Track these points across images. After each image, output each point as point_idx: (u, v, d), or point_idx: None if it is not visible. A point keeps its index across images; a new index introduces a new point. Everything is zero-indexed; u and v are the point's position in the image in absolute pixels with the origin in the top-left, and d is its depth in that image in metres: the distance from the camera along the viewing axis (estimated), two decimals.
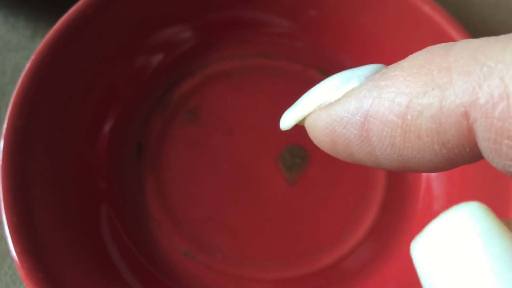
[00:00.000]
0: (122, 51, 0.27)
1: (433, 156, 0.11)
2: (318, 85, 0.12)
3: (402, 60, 0.11)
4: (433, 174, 0.27)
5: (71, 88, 0.25)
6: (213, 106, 0.28)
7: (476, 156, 0.11)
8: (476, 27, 0.32)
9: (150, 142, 0.27)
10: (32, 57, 0.23)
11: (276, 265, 0.25)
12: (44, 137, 0.24)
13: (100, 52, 0.26)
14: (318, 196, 0.27)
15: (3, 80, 0.29)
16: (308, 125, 0.13)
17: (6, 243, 0.26)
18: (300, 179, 0.27)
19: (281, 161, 0.27)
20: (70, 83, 0.25)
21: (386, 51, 0.28)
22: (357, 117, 0.11)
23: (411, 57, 0.11)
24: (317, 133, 0.12)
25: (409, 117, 0.10)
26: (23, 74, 0.23)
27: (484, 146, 0.10)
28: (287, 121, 0.13)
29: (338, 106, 0.12)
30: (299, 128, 0.27)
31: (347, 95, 0.12)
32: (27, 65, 0.23)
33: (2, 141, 0.22)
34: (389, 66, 0.11)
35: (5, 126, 0.22)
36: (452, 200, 0.26)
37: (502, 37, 0.10)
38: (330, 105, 0.12)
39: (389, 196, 0.27)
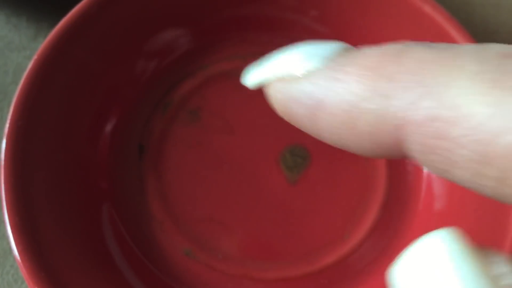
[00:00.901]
0: (124, 51, 0.27)
1: (371, 151, 0.12)
2: (285, 52, 0.13)
3: (360, 54, 0.12)
4: (434, 175, 0.27)
5: (73, 88, 0.25)
6: (214, 106, 0.28)
7: (407, 156, 0.11)
8: (477, 27, 0.32)
9: (152, 142, 0.27)
10: (34, 57, 0.24)
11: (277, 265, 0.26)
12: (46, 137, 0.24)
13: (102, 53, 0.26)
14: (319, 196, 0.27)
15: (5, 80, 0.29)
16: (268, 93, 0.13)
17: (8, 242, 0.26)
18: (301, 179, 0.27)
19: (282, 161, 0.27)
20: (72, 83, 0.25)
21: None
22: (310, 101, 0.12)
23: (367, 54, 0.11)
24: (275, 103, 0.13)
25: (352, 115, 0.11)
26: (25, 74, 0.23)
27: (415, 154, 0.11)
28: (250, 81, 0.14)
29: (296, 85, 0.12)
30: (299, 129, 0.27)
31: (306, 77, 0.12)
32: (29, 65, 0.23)
33: (4, 141, 0.22)
34: (348, 52, 0.12)
35: (7, 126, 0.23)
36: (453, 200, 0.26)
37: (449, 54, 0.10)
38: (289, 81, 0.12)
39: (390, 197, 0.27)
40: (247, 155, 0.27)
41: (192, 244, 0.25)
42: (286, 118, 0.13)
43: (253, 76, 0.14)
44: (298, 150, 0.27)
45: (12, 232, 0.21)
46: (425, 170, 0.28)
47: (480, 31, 0.32)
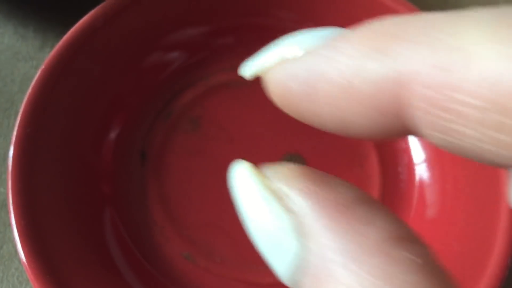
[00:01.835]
0: (128, 62, 0.27)
1: (371, 123, 0.11)
2: (283, 41, 0.13)
3: (360, 27, 0.11)
4: (426, 183, 0.28)
5: (78, 97, 0.26)
6: (214, 115, 0.29)
7: (409, 130, 0.11)
8: None
9: (154, 149, 0.28)
10: (42, 67, 0.24)
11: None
12: (51, 144, 0.24)
13: (107, 63, 0.27)
14: None
15: (12, 89, 0.30)
16: (266, 80, 0.13)
17: (13, 245, 0.27)
18: None
19: None
20: (78, 92, 0.26)
21: None
22: (310, 74, 0.11)
23: (368, 25, 0.11)
24: (273, 88, 0.13)
25: (355, 81, 0.11)
26: (32, 83, 0.24)
27: (419, 117, 0.10)
28: (248, 70, 0.14)
29: (295, 62, 0.12)
30: (296, 138, 0.28)
31: (306, 53, 0.12)
32: (36, 75, 0.24)
33: (12, 148, 0.23)
34: (348, 31, 0.12)
35: (14, 133, 0.23)
36: (445, 207, 0.27)
37: (455, 13, 0.10)
38: (289, 61, 0.12)
39: (383, 204, 0.28)
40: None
41: (191, 248, 0.26)
42: (284, 104, 0.13)
43: (251, 65, 0.13)
44: (295, 159, 0.28)
45: (19, 235, 0.22)
46: (417, 175, 0.28)
47: None
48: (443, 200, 0.27)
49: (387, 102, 0.10)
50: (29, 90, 0.24)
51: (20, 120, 0.23)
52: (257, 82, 0.30)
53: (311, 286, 0.11)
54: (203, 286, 0.26)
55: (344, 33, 0.11)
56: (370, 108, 0.11)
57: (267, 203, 0.12)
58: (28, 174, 0.23)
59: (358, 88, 0.10)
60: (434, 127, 0.10)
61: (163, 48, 0.29)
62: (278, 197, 0.12)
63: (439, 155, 0.28)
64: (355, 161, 0.28)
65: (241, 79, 0.29)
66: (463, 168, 0.26)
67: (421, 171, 0.28)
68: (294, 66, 0.12)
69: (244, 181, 0.13)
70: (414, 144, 0.29)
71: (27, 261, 0.22)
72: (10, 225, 0.25)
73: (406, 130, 0.11)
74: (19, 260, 0.26)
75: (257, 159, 0.28)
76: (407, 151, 0.29)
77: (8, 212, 0.25)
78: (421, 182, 0.28)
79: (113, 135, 0.27)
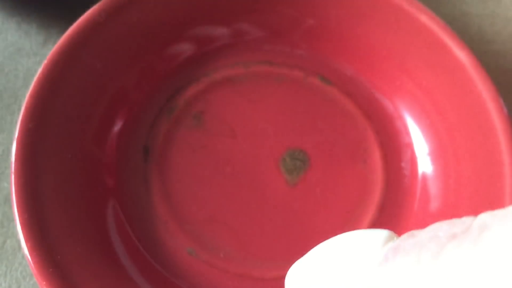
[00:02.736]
0: (130, 57, 0.28)
1: None
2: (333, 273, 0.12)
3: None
4: (429, 177, 0.28)
5: (81, 92, 0.26)
6: (217, 111, 0.29)
7: None
8: (473, 37, 0.33)
9: (157, 144, 0.28)
10: (44, 62, 0.24)
11: (277, 264, 0.26)
12: (54, 139, 0.25)
13: (109, 58, 0.27)
14: (318, 198, 0.27)
15: (16, 85, 0.30)
16: None
17: (17, 240, 0.27)
18: (301, 182, 0.28)
19: (282, 164, 0.28)
20: (80, 87, 0.26)
21: (384, 60, 0.29)
22: None
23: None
24: None
25: None
26: (35, 78, 0.24)
27: None
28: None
29: None
30: (299, 133, 0.28)
31: None
32: (39, 70, 0.24)
33: (15, 142, 0.23)
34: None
35: (17, 128, 0.23)
36: (448, 201, 0.27)
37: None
38: None
39: (387, 199, 0.28)
40: (248, 158, 0.28)
41: (195, 243, 0.26)
42: None
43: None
44: (298, 154, 0.28)
45: (22, 229, 0.22)
46: (420, 170, 0.28)
47: (476, 41, 0.33)
48: (446, 194, 0.27)
49: None
50: (32, 86, 0.24)
51: (23, 115, 0.24)
52: (260, 77, 0.30)
53: None
54: (206, 281, 0.26)
55: None
56: None
57: None
58: (31, 168, 0.23)
59: None
60: None
61: (166, 43, 0.29)
62: None
63: (442, 150, 0.28)
64: (358, 157, 0.28)
65: (245, 74, 0.29)
66: (466, 162, 0.26)
67: (424, 165, 0.28)
68: None
69: None
70: (417, 139, 0.29)
71: (30, 256, 0.22)
72: (13, 219, 0.25)
73: None
74: (23, 254, 0.26)
75: (260, 154, 0.28)
76: (410, 146, 0.29)
77: (11, 207, 0.25)
78: (424, 176, 0.28)
79: (116, 129, 0.27)
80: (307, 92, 0.30)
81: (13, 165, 0.23)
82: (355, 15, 0.28)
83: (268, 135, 0.28)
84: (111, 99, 0.27)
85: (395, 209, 0.28)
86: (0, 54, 0.30)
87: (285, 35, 0.30)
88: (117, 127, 0.28)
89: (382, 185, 0.28)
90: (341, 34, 0.29)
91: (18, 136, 0.23)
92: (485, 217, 0.11)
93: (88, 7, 0.26)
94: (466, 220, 0.11)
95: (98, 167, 0.26)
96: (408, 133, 0.29)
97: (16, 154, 0.23)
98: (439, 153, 0.28)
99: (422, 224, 0.27)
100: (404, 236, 0.11)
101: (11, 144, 0.24)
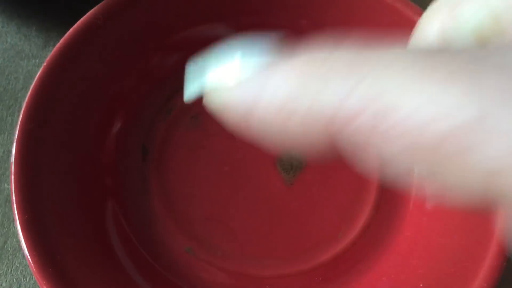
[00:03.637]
0: (129, 58, 0.28)
1: (301, 146, 0.12)
2: (222, 56, 0.13)
3: (290, 59, 0.12)
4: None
5: (81, 94, 0.26)
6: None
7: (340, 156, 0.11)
8: None
9: (155, 145, 0.28)
10: (44, 64, 0.25)
11: (274, 263, 0.27)
12: (54, 140, 0.25)
13: (108, 60, 0.27)
14: (315, 197, 0.28)
15: (16, 87, 0.30)
16: (206, 102, 0.14)
17: (17, 240, 0.27)
18: (297, 181, 0.28)
19: (279, 164, 0.28)
20: (80, 88, 0.26)
21: None
22: (242, 107, 0.12)
23: (297, 57, 0.12)
24: (213, 110, 0.14)
25: (283, 114, 0.11)
26: (35, 80, 0.24)
27: (348, 154, 0.11)
28: (190, 96, 0.14)
29: (228, 93, 0.13)
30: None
31: (237, 85, 0.12)
32: (39, 72, 0.25)
33: (15, 143, 0.23)
34: (280, 58, 0.12)
35: (17, 129, 0.24)
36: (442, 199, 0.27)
37: (376, 54, 0.10)
38: (222, 90, 0.13)
39: (382, 197, 0.28)
40: (246, 158, 0.28)
41: (192, 242, 0.27)
42: (224, 122, 0.13)
43: (192, 91, 0.14)
44: (294, 154, 0.28)
45: (22, 230, 0.22)
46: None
47: None
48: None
49: (318, 139, 0.11)
50: (32, 87, 0.24)
51: (23, 116, 0.24)
52: None
53: None
54: (204, 279, 0.26)
55: (275, 64, 0.12)
56: (302, 142, 0.11)
57: None
58: (31, 169, 0.23)
59: (288, 125, 0.11)
60: (363, 163, 0.11)
61: (164, 44, 0.29)
62: None
63: None
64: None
65: None
66: None
67: None
68: (227, 96, 0.13)
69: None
70: None
71: (30, 255, 0.22)
72: (14, 220, 0.26)
73: (330, 147, 0.11)
74: (23, 254, 0.27)
75: (258, 154, 0.28)
76: None
77: (11, 208, 0.25)
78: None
79: (115, 130, 0.28)
80: None
81: (13, 166, 0.23)
82: (349, 16, 0.29)
83: None
84: (110, 100, 0.27)
85: (391, 207, 0.28)
86: (0, 56, 0.31)
87: (280, 36, 0.30)
88: (116, 127, 0.28)
89: (378, 184, 0.28)
90: (335, 35, 0.30)
91: (18, 138, 0.23)
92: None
93: (87, 10, 0.26)
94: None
95: (97, 167, 0.27)
96: None
97: (16, 155, 0.23)
98: None
99: (418, 222, 0.27)
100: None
101: (12, 145, 0.24)
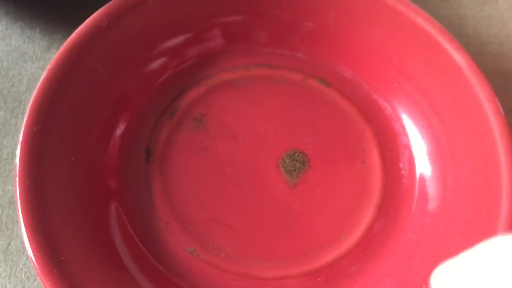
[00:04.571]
0: (132, 61, 0.28)
1: None
2: None
3: None
4: (427, 178, 0.28)
5: (84, 96, 0.26)
6: (218, 113, 0.29)
7: None
8: (470, 38, 0.33)
9: (159, 146, 0.28)
10: (48, 66, 0.25)
11: (277, 264, 0.27)
12: (58, 142, 0.25)
13: (112, 62, 0.27)
14: (317, 199, 0.28)
15: (20, 89, 0.30)
16: None
17: (21, 242, 0.27)
18: (300, 182, 0.28)
19: (282, 166, 0.28)
20: (83, 91, 0.26)
21: (381, 62, 0.29)
22: None
23: None
24: None
25: None
26: (39, 83, 0.25)
27: None
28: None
29: None
30: (299, 135, 0.29)
31: None
32: (43, 75, 0.25)
33: (19, 146, 0.24)
34: None
35: (22, 131, 0.24)
36: (445, 201, 0.27)
37: None
38: None
39: (385, 199, 0.28)
40: (249, 159, 0.28)
41: (196, 243, 0.27)
42: None
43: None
44: (297, 155, 0.28)
45: (26, 231, 0.22)
46: (418, 170, 0.29)
47: (473, 42, 0.33)
48: (444, 194, 0.27)
49: None
50: (36, 90, 0.24)
51: (27, 118, 0.24)
52: (260, 80, 0.30)
53: None
54: (207, 280, 0.26)
55: None
56: None
57: None
58: (35, 171, 0.24)
59: None
60: None
61: (168, 47, 0.29)
62: None
63: (439, 150, 0.28)
64: (357, 158, 0.29)
65: (245, 77, 0.30)
66: (464, 162, 0.27)
67: (422, 166, 0.29)
68: None
69: None
70: (415, 140, 0.29)
71: (34, 257, 0.22)
72: (18, 221, 0.26)
73: None
74: (27, 256, 0.27)
75: (261, 156, 0.28)
76: (408, 146, 0.29)
77: (16, 209, 0.25)
78: (422, 177, 0.28)
79: (118, 132, 0.28)
80: (306, 94, 0.30)
81: (17, 168, 0.23)
82: (352, 18, 0.29)
83: (268, 136, 0.29)
84: (114, 103, 0.28)
85: (393, 209, 0.28)
86: (4, 59, 0.31)
87: (285, 39, 0.31)
88: (120, 130, 0.28)
89: (380, 186, 0.28)
90: (339, 37, 0.30)
91: (22, 140, 0.24)
92: None
93: (91, 13, 0.26)
94: None
95: (101, 169, 0.27)
96: (406, 134, 0.29)
97: (20, 157, 0.23)
98: (436, 154, 0.28)
99: (421, 224, 0.27)
100: None
101: (16, 147, 0.24)
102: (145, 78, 0.29)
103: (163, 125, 0.29)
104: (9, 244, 0.27)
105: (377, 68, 0.30)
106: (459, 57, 0.27)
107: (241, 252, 0.27)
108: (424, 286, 0.25)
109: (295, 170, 0.28)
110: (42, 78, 0.25)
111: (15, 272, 0.27)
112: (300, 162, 0.28)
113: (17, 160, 0.23)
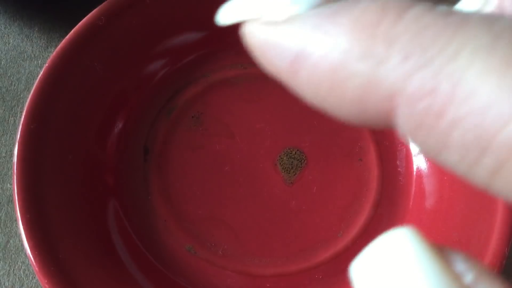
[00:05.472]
0: (130, 59, 0.28)
1: (354, 117, 0.10)
2: None
3: (356, 6, 0.10)
4: (424, 175, 0.28)
5: (82, 94, 0.26)
6: (215, 111, 0.29)
7: (395, 128, 0.10)
8: None
9: (156, 145, 0.28)
10: (46, 65, 0.25)
11: (275, 261, 0.27)
12: (56, 140, 0.25)
13: (110, 61, 0.27)
14: (315, 196, 0.28)
15: (18, 87, 0.30)
16: (244, 32, 0.11)
17: (19, 240, 0.27)
18: (298, 180, 0.28)
19: (280, 163, 0.28)
20: (81, 89, 0.26)
21: None
22: (289, 51, 0.10)
23: (365, 6, 0.10)
24: (251, 45, 0.11)
25: (339, 74, 0.10)
26: (37, 81, 0.25)
27: (404, 129, 0.10)
28: (224, 18, 0.12)
29: (275, 29, 0.10)
30: (296, 132, 0.29)
31: (288, 22, 0.10)
32: (41, 73, 0.25)
33: (17, 144, 0.24)
34: (343, 1, 0.10)
35: (19, 129, 0.24)
36: (443, 198, 0.27)
37: (456, 19, 0.09)
38: (269, 23, 0.11)
39: (382, 196, 0.28)
40: (246, 157, 0.28)
41: (193, 241, 0.27)
42: (261, 62, 0.11)
43: (228, 12, 0.12)
44: (295, 153, 0.29)
45: (24, 229, 0.22)
46: (415, 167, 0.29)
47: None
48: (441, 191, 0.27)
49: (373, 107, 0.10)
50: (34, 88, 0.24)
51: (25, 117, 0.24)
52: (257, 78, 0.30)
53: None
54: (205, 278, 0.26)
55: (337, 6, 0.10)
56: (354, 107, 0.10)
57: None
58: (33, 169, 0.24)
59: (342, 86, 0.10)
60: (418, 142, 0.10)
61: (165, 45, 0.29)
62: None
63: None
64: (354, 155, 0.29)
65: (243, 75, 0.30)
66: None
67: (419, 163, 0.29)
68: (273, 33, 0.10)
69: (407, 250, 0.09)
70: None
71: (32, 255, 0.22)
72: (16, 219, 0.26)
73: (384, 126, 0.10)
74: (25, 254, 0.27)
75: (258, 154, 0.28)
76: (405, 144, 0.29)
77: (13, 207, 0.26)
78: (419, 173, 0.28)
79: (116, 130, 0.28)
80: None
81: (15, 166, 0.23)
82: None
83: (266, 134, 0.29)
84: (111, 101, 0.28)
85: (390, 206, 0.28)
86: (2, 57, 0.31)
87: None
88: (118, 128, 0.28)
89: (377, 183, 0.28)
90: None
91: (20, 138, 0.24)
92: None
93: (89, 11, 0.26)
94: None
95: (99, 167, 0.27)
96: None
97: (18, 155, 0.23)
98: None
99: (418, 221, 0.27)
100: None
101: (14, 145, 0.24)
102: (143, 76, 0.29)
103: (161, 123, 0.29)
104: (8, 242, 0.27)
105: None
106: None
107: (239, 249, 0.27)
108: None
109: (292, 167, 0.28)
110: (39, 76, 0.25)
111: (13, 269, 0.27)
112: (298, 160, 0.28)
113: (15, 158, 0.23)
